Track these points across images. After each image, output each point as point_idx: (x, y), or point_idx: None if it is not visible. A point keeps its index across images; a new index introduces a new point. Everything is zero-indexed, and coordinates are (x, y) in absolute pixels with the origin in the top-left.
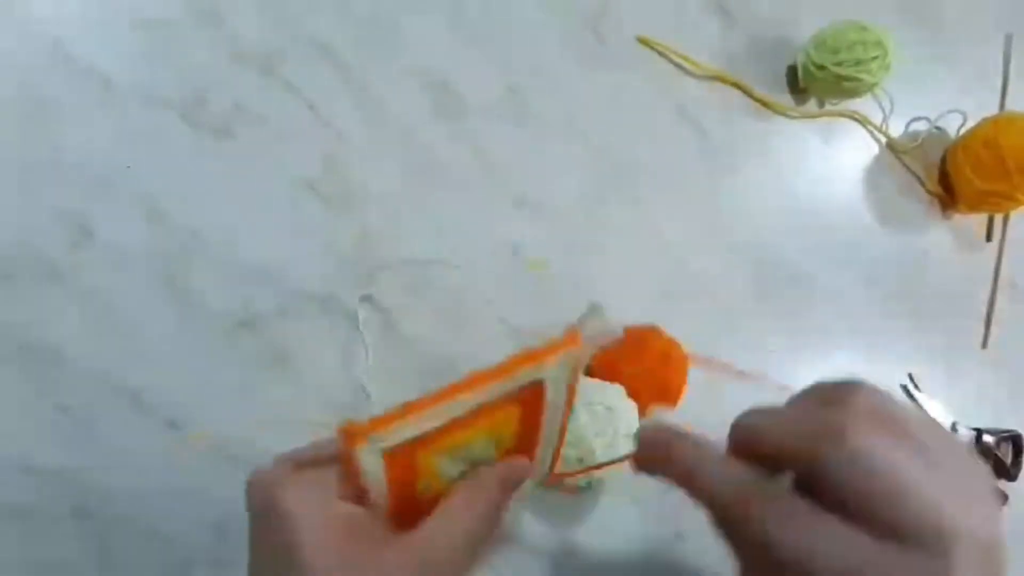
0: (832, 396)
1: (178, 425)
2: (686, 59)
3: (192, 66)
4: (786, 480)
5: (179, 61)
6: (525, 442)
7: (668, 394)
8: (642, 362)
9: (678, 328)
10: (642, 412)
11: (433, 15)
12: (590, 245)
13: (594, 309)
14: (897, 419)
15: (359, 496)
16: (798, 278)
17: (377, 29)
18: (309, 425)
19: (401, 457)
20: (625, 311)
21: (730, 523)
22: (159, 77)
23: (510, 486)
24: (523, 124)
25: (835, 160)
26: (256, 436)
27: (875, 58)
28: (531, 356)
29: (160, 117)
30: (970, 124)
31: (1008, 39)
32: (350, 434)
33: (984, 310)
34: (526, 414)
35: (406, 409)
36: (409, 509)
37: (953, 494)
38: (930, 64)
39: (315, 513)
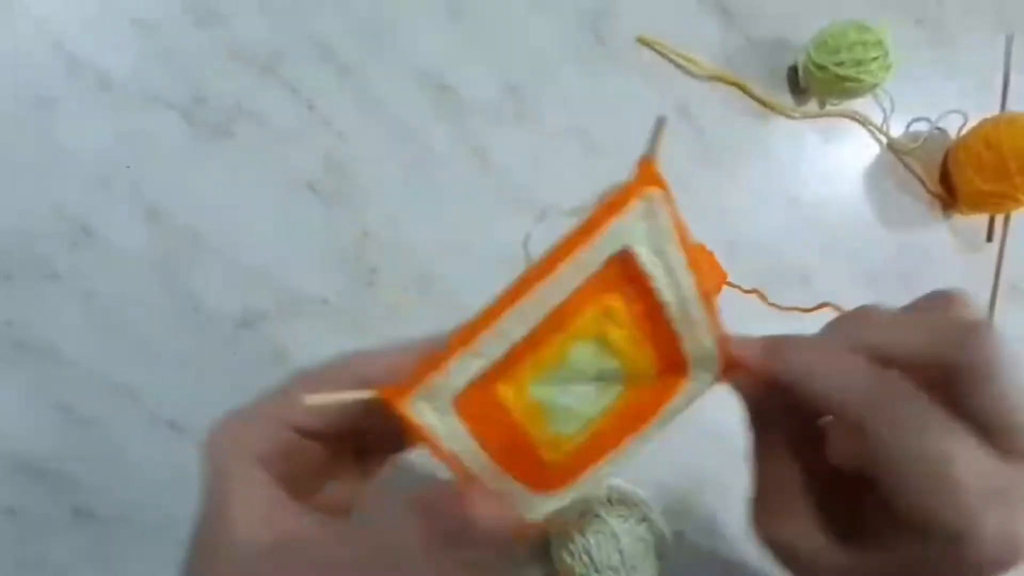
0: (959, 323)
1: (178, 425)
2: (686, 59)
3: (192, 66)
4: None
5: (179, 61)
6: (655, 327)
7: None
8: None
9: None
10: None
11: (433, 15)
12: None
13: (660, 123)
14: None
15: (452, 462)
16: (798, 278)
17: (377, 29)
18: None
19: (476, 404)
20: None
21: (858, 426)
22: (159, 77)
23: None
24: (523, 124)
25: (835, 160)
26: None
27: (875, 58)
28: (593, 223)
29: (160, 117)
30: (971, 124)
31: (1008, 39)
32: (392, 395)
33: (984, 310)
34: (630, 295)
35: (452, 344)
36: (535, 465)
37: None
38: (931, 64)
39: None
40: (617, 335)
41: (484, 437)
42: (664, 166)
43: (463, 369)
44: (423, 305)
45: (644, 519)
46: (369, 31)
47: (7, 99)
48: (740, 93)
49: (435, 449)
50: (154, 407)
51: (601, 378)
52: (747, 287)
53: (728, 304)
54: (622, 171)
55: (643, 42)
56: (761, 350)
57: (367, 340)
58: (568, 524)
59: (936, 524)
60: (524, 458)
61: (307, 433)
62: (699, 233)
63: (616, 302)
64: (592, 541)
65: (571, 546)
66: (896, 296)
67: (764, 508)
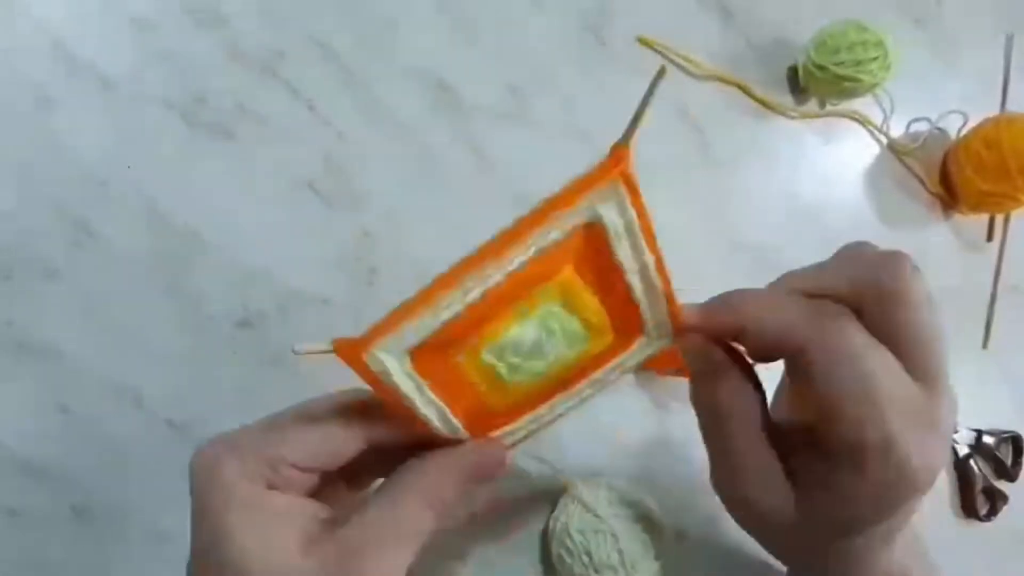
0: (875, 253)
1: (178, 425)
2: (686, 59)
3: (192, 66)
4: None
5: (179, 61)
6: (615, 295)
7: None
8: None
9: None
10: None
11: (433, 15)
12: None
13: (662, 72)
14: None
15: (406, 421)
16: None
17: (377, 29)
18: None
19: (430, 359)
20: None
21: (802, 354)
22: (159, 77)
23: (474, 474)
24: (523, 124)
25: (835, 160)
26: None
27: (875, 58)
28: (561, 199)
29: (160, 117)
30: (971, 124)
31: (1008, 39)
32: (346, 347)
33: (984, 310)
34: (591, 268)
35: (407, 307)
36: (487, 420)
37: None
38: (931, 64)
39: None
40: (579, 300)
41: (436, 388)
42: (664, 165)
43: (422, 326)
44: None
45: (643, 518)
46: (369, 31)
47: (7, 99)
48: (740, 93)
49: (389, 394)
50: (154, 407)
51: (560, 337)
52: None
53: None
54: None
55: (643, 42)
56: (714, 304)
57: None
58: (567, 523)
59: (866, 441)
60: (474, 409)
61: (301, 468)
62: (699, 233)
63: (581, 269)
64: (591, 541)
65: (570, 546)
66: None
67: (721, 469)
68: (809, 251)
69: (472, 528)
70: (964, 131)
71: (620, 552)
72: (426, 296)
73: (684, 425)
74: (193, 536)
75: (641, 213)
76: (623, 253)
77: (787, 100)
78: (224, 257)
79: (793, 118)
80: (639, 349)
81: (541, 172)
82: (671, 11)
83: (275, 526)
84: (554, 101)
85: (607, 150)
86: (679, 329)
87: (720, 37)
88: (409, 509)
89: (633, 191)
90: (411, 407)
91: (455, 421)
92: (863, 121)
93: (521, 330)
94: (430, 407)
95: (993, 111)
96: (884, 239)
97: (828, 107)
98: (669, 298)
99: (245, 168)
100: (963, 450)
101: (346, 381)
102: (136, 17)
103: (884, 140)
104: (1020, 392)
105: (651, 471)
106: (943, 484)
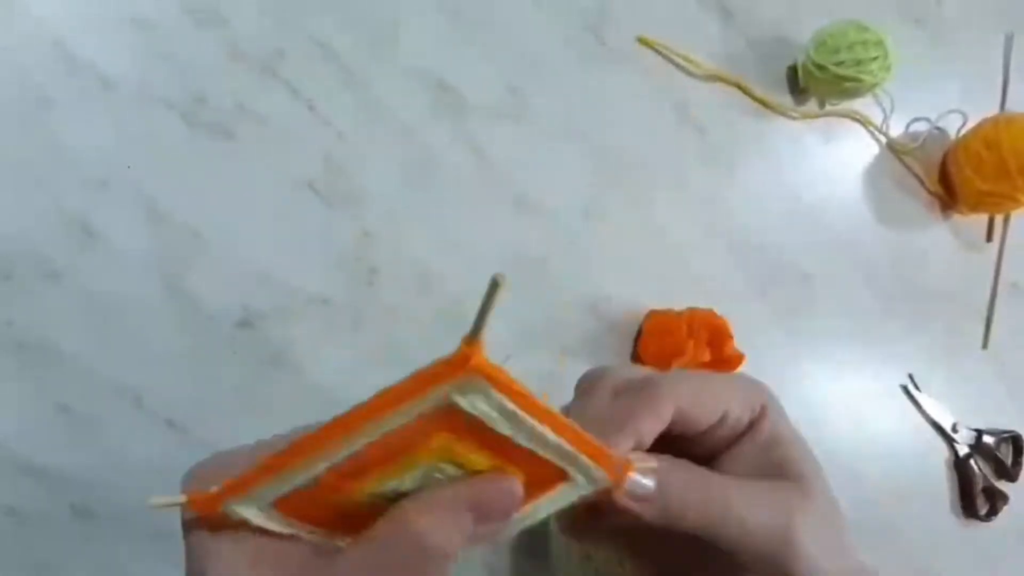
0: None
1: (178, 425)
2: (686, 59)
3: (192, 66)
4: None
5: (179, 61)
6: (516, 455)
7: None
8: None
9: None
10: None
11: (433, 15)
12: (590, 245)
13: (496, 284)
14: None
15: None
16: (798, 278)
17: (377, 29)
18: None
19: (294, 504)
20: (625, 311)
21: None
22: (159, 77)
23: (491, 510)
24: (523, 124)
25: (835, 160)
26: (256, 436)
27: (875, 58)
28: (408, 390)
29: (160, 117)
30: (971, 124)
31: (1008, 39)
32: (200, 502)
33: (984, 310)
34: (472, 435)
35: (269, 463)
36: (356, 523)
37: None
38: (930, 64)
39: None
40: (463, 457)
41: (310, 521)
42: (664, 165)
43: (277, 486)
44: (423, 305)
45: None
46: (369, 31)
47: (7, 99)
48: (740, 93)
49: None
50: (154, 407)
51: (451, 476)
52: (746, 290)
53: (724, 298)
54: (622, 171)
55: (643, 42)
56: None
57: (367, 340)
58: None
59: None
60: (348, 520)
61: None
62: (699, 233)
63: (460, 434)
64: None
65: (569, 548)
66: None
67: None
68: (809, 251)
69: None
70: (964, 131)
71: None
72: (268, 467)
73: None
74: (186, 559)
75: (514, 394)
76: (503, 428)
77: (787, 100)
78: (224, 257)
79: (793, 118)
80: (567, 491)
81: (541, 172)
82: (671, 11)
83: (264, 557)
84: (554, 101)
85: (607, 150)
86: (615, 473)
87: (720, 37)
88: (394, 564)
89: (494, 379)
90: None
91: (339, 538)
92: (863, 121)
93: (399, 482)
94: (296, 532)
95: (993, 111)
96: (883, 239)
97: (828, 107)
98: (590, 452)
99: (245, 168)
100: (963, 450)
101: (344, 381)
102: (136, 17)
103: (884, 140)
104: (1020, 392)
105: None
106: (943, 484)
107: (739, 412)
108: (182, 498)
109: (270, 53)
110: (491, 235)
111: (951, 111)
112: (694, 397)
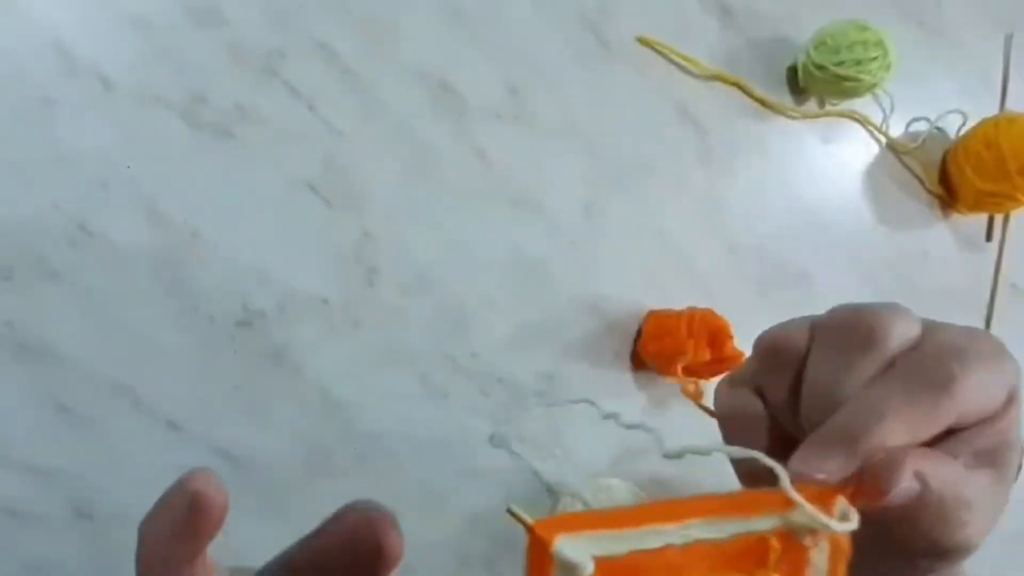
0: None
1: (178, 425)
2: (686, 59)
3: (192, 66)
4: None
5: (179, 61)
6: None
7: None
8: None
9: None
10: None
11: (433, 15)
12: (590, 245)
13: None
14: None
15: None
16: (798, 278)
17: (377, 29)
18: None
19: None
20: (625, 311)
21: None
22: (159, 77)
23: None
24: (523, 124)
25: (835, 160)
26: (256, 436)
27: (875, 58)
28: (759, 500)
29: (160, 117)
30: (970, 124)
31: (1008, 39)
32: (544, 530)
33: (984, 310)
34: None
35: (619, 517)
36: None
37: None
38: (930, 64)
39: None
40: None
41: None
42: (664, 165)
43: (622, 541)
44: (423, 305)
45: None
46: (369, 31)
47: (7, 99)
48: (740, 93)
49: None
50: (154, 407)
51: None
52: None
53: (724, 298)
54: (622, 171)
55: (643, 42)
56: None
57: (367, 340)
58: None
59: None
60: None
61: None
62: (699, 233)
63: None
64: None
65: None
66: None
67: None
68: (809, 251)
69: (472, 528)
70: (963, 131)
71: None
72: (616, 515)
73: (684, 425)
74: None
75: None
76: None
77: (787, 100)
78: (224, 257)
79: (793, 118)
80: (819, 554)
81: (541, 172)
82: (671, 11)
83: None
84: (554, 101)
85: (607, 150)
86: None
87: (720, 37)
88: None
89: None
90: None
91: None
92: (863, 121)
93: None
94: None
95: (992, 111)
96: (883, 239)
97: (828, 107)
98: (745, 508)
99: (245, 168)
100: None
101: (343, 381)
102: (136, 17)
103: (883, 140)
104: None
105: (652, 471)
106: None
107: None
108: (531, 520)
109: (270, 53)
110: (491, 235)
111: (951, 111)
112: (985, 390)
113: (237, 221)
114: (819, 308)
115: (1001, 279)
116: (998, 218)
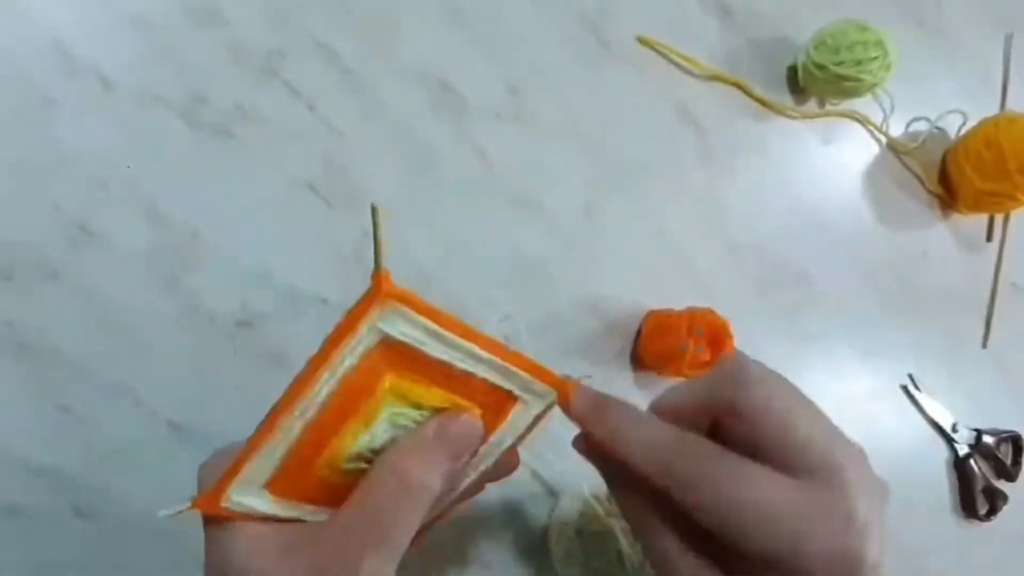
0: (729, 365)
1: (178, 425)
2: (686, 59)
3: (192, 66)
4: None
5: (179, 61)
6: (461, 383)
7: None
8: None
9: None
10: None
11: (433, 15)
12: (590, 245)
13: (375, 212)
14: (782, 379)
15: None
16: (798, 278)
17: (377, 29)
18: None
19: (293, 484)
20: (625, 311)
21: (663, 478)
22: (159, 77)
23: (458, 443)
24: (523, 124)
25: (835, 160)
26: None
27: (875, 58)
28: (339, 332)
29: (160, 117)
30: (970, 124)
31: (1008, 39)
32: (204, 502)
33: (984, 310)
34: (414, 368)
35: (252, 440)
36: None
37: (839, 437)
38: (930, 64)
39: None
40: (416, 395)
41: (305, 499)
42: (664, 165)
43: (263, 464)
44: None
45: None
46: (369, 31)
47: (7, 99)
48: (740, 93)
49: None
50: (154, 407)
51: (414, 426)
52: (739, 291)
53: (724, 298)
54: (622, 171)
55: (643, 42)
56: (588, 404)
57: None
58: (568, 524)
59: (771, 555)
60: (337, 495)
61: None
62: (699, 233)
63: (403, 373)
64: (592, 541)
65: (571, 546)
66: (895, 295)
67: (640, 534)
68: (809, 251)
69: (472, 528)
70: (963, 131)
71: (620, 553)
72: (252, 444)
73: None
74: (205, 554)
75: (433, 315)
76: (438, 352)
77: (787, 100)
78: (224, 257)
79: (793, 118)
80: (521, 414)
81: (541, 172)
82: (671, 11)
83: (258, 535)
84: (554, 101)
85: (607, 150)
86: (559, 386)
87: (720, 37)
88: (385, 504)
89: (411, 302)
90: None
91: (323, 510)
92: (863, 121)
93: (371, 435)
94: (310, 515)
95: (992, 111)
96: (883, 239)
97: (828, 107)
98: (524, 367)
99: (245, 168)
100: (963, 450)
101: None
102: (136, 17)
103: (884, 140)
104: (1020, 392)
105: None
106: (943, 484)
107: (814, 457)
108: (187, 505)
109: (270, 53)
110: (491, 235)
111: (951, 111)
112: (776, 416)
113: (237, 221)
114: (819, 308)
115: (1001, 279)
116: (998, 218)
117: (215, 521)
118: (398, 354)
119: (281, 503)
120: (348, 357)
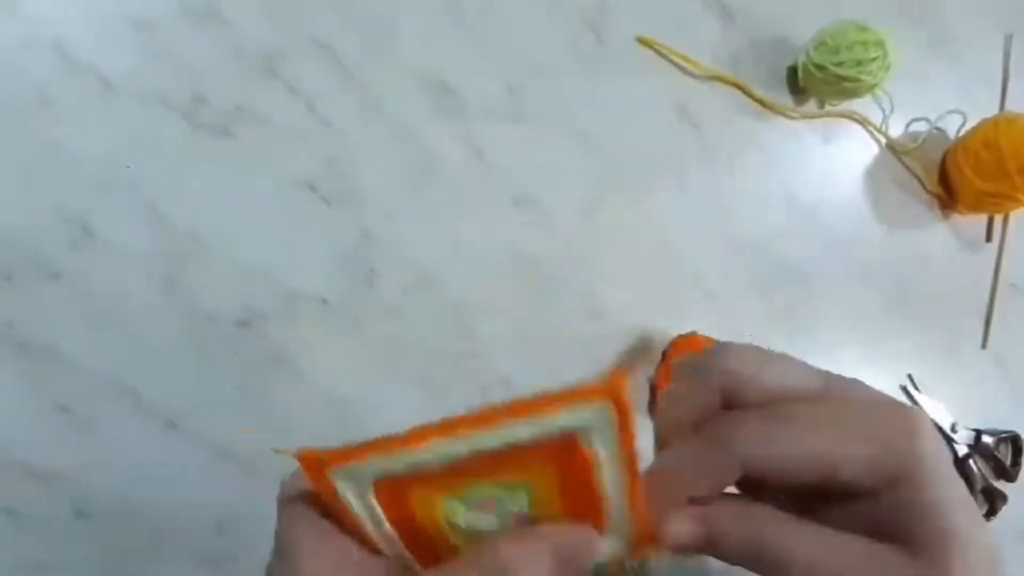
0: (900, 416)
1: (178, 425)
2: (686, 59)
3: (192, 66)
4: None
5: (179, 61)
6: (575, 507)
7: None
8: None
9: (678, 329)
10: None
11: (433, 15)
12: (590, 245)
13: (644, 343)
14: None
15: (362, 540)
16: (798, 278)
17: (377, 29)
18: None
19: (391, 494)
20: (625, 312)
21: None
22: (159, 77)
23: (568, 557)
24: (523, 124)
25: (835, 160)
26: (256, 436)
27: (875, 58)
28: (559, 397)
29: (160, 117)
30: (970, 124)
31: (1008, 39)
32: (310, 461)
33: (984, 310)
34: (565, 473)
35: (391, 442)
36: (433, 558)
37: (958, 500)
38: (930, 64)
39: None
40: (546, 493)
41: (395, 521)
42: (664, 165)
43: (383, 464)
44: (423, 305)
45: None
46: (369, 31)
47: (7, 99)
48: (740, 93)
49: (343, 516)
50: (154, 407)
51: (513, 515)
52: (745, 297)
53: (724, 298)
54: (622, 171)
55: (643, 42)
56: (699, 526)
57: (367, 340)
58: None
59: None
60: (424, 544)
61: None
62: (699, 233)
63: (551, 468)
64: None
65: None
66: (895, 295)
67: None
68: (809, 251)
69: None
70: (963, 131)
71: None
72: (384, 442)
73: None
74: (275, 539)
75: (628, 440)
76: (605, 476)
77: (787, 100)
78: (224, 257)
79: (793, 118)
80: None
81: (541, 172)
82: (671, 11)
83: (348, 559)
84: (554, 101)
85: (607, 150)
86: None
87: (720, 37)
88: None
89: (623, 411)
90: (362, 528)
91: (406, 553)
92: (863, 121)
93: (474, 516)
94: (382, 537)
95: (992, 111)
96: (883, 239)
97: (828, 107)
98: (638, 516)
99: (245, 168)
100: (963, 450)
101: (343, 381)
102: (136, 17)
103: (883, 140)
104: (1020, 392)
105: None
106: None
107: (856, 470)
108: (294, 450)
109: (270, 53)
110: (491, 235)
111: (951, 111)
112: (771, 447)
113: (237, 221)
114: (819, 308)
115: (1001, 279)
116: (998, 218)
117: (304, 499)
118: (568, 456)
119: (377, 513)
120: (529, 428)
